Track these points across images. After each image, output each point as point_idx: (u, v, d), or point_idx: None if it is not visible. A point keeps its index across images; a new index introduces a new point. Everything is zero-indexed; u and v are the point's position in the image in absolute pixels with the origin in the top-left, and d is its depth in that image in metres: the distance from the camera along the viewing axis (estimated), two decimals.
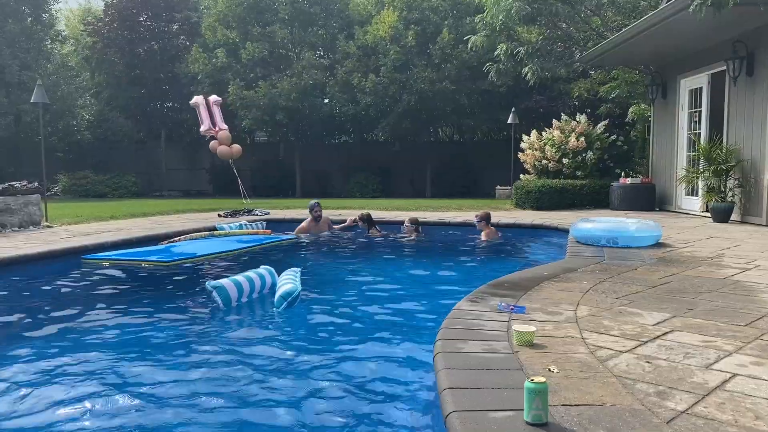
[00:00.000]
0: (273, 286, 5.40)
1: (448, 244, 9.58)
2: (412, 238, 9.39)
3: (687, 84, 12.03)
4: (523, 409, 2.24)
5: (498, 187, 18.26)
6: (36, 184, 10.50)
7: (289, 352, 3.96)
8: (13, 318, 4.91)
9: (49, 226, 10.11)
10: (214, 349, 4.02)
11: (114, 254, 6.97)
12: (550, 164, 14.57)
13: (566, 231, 8.88)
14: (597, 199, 13.53)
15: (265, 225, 10.59)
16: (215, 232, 9.17)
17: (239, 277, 5.26)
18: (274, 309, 4.93)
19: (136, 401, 3.12)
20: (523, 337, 3.10)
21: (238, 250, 7.81)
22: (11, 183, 10.14)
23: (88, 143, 24.53)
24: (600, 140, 14.74)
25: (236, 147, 16.39)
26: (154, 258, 6.72)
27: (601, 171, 14.85)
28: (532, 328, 3.17)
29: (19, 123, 21.77)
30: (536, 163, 14.91)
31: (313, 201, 10.03)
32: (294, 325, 4.77)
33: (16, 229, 9.61)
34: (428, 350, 3.37)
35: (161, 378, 3.46)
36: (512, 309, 3.81)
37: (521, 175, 15.37)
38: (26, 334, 4.44)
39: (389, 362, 3.75)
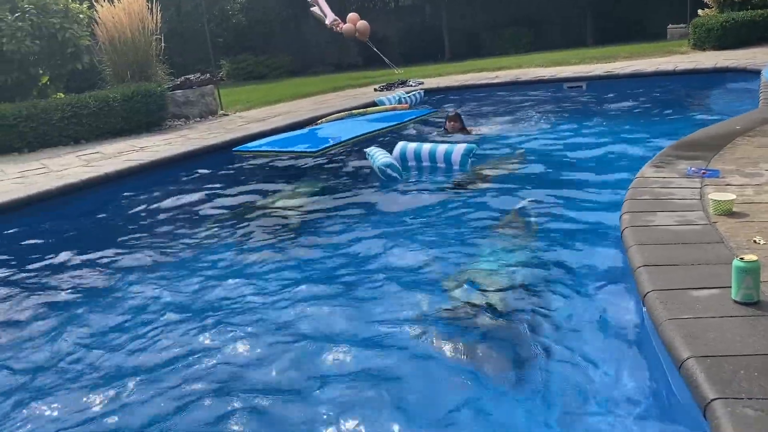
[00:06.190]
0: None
1: (618, 102, 8.89)
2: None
3: None
4: (729, 287, 2.15)
5: (670, 26, 16.30)
6: (208, 75, 11.22)
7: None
8: (211, 207, 5.48)
9: (225, 114, 10.89)
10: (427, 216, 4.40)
11: (265, 144, 7.28)
12: None
13: (757, 73, 7.89)
14: None
15: (422, 95, 10.52)
16: (354, 111, 9.19)
17: (387, 154, 5.59)
18: (458, 168, 5.37)
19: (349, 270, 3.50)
20: (722, 206, 2.90)
21: (383, 129, 7.79)
22: (187, 77, 10.92)
23: (243, 26, 25.39)
24: None
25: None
26: (302, 148, 6.99)
27: None
28: (731, 196, 2.95)
29: (180, 13, 23.04)
30: None
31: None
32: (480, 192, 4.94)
33: (198, 119, 10.47)
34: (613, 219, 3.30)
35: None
36: (704, 173, 3.55)
37: (699, 11, 13.57)
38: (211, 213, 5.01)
39: (575, 230, 3.74)
